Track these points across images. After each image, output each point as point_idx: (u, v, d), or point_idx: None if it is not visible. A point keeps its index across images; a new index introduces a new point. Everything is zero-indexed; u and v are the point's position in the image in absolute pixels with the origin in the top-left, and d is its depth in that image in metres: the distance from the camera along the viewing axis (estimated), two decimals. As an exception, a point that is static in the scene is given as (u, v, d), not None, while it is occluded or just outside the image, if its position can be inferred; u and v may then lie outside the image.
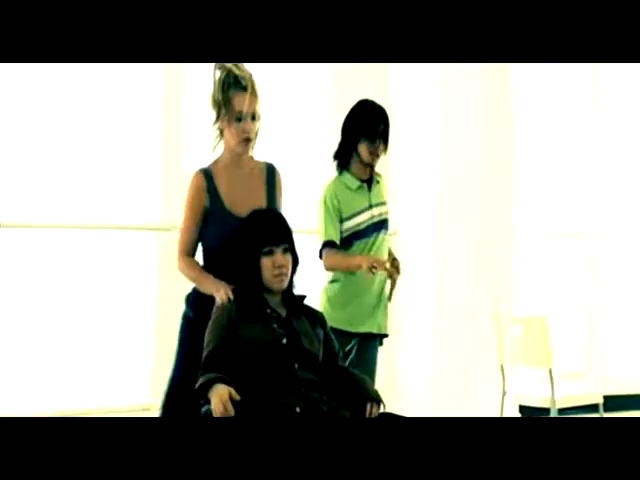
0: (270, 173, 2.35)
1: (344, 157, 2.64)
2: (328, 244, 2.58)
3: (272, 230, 2.10)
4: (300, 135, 4.40)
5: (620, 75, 5.08)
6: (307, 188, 3.97)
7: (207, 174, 2.27)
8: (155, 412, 3.15)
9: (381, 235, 2.66)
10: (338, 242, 2.59)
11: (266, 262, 2.06)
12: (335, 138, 2.77)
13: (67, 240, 3.51)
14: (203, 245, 2.30)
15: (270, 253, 2.06)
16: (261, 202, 2.27)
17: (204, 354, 2.06)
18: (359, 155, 2.60)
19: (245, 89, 2.18)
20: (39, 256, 3.42)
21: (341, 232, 2.60)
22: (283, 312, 2.13)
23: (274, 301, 2.12)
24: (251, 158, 2.33)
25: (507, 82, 4.51)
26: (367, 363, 2.59)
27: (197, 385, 1.94)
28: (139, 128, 3.70)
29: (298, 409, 1.98)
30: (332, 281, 2.66)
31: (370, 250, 2.60)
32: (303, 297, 2.22)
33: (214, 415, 1.85)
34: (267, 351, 2.05)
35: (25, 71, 3.30)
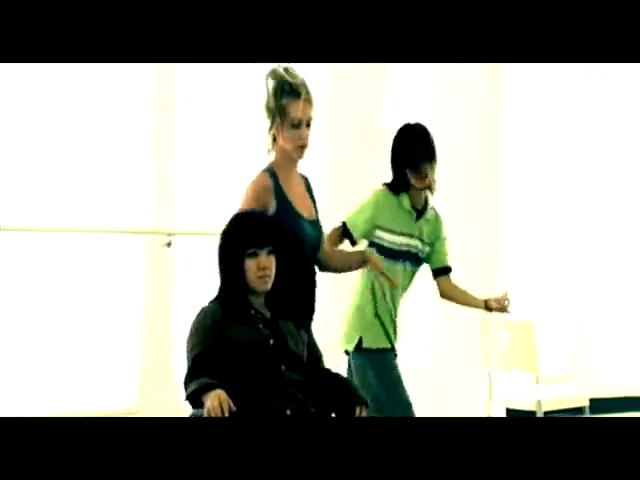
0: (307, 182, 2.41)
1: (398, 187, 2.69)
2: (345, 226, 2.65)
3: (256, 232, 2.09)
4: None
5: (613, 77, 5.12)
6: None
7: (273, 175, 2.26)
8: (143, 414, 3.18)
9: (407, 266, 2.70)
10: (356, 235, 2.64)
11: (250, 264, 2.06)
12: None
13: (56, 243, 3.52)
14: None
15: (254, 255, 2.06)
16: (311, 207, 2.34)
17: (190, 357, 2.04)
18: (411, 183, 2.65)
19: (299, 96, 2.20)
20: (32, 259, 3.43)
21: (374, 240, 2.67)
22: (267, 313, 2.14)
23: (258, 302, 2.13)
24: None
25: (499, 84, 4.58)
26: None
27: (189, 390, 1.93)
28: (130, 131, 3.71)
29: (289, 411, 1.99)
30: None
31: (391, 274, 2.57)
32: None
33: (209, 414, 1.83)
34: (255, 352, 2.04)
35: (20, 74, 3.31)
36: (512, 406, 3.73)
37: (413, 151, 2.62)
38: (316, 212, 2.38)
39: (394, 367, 2.66)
